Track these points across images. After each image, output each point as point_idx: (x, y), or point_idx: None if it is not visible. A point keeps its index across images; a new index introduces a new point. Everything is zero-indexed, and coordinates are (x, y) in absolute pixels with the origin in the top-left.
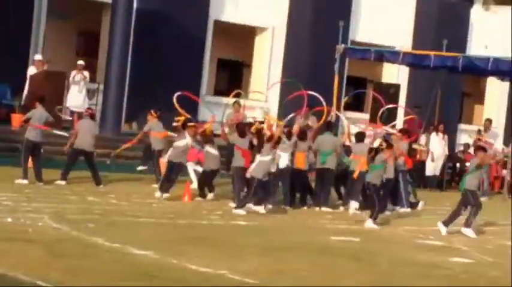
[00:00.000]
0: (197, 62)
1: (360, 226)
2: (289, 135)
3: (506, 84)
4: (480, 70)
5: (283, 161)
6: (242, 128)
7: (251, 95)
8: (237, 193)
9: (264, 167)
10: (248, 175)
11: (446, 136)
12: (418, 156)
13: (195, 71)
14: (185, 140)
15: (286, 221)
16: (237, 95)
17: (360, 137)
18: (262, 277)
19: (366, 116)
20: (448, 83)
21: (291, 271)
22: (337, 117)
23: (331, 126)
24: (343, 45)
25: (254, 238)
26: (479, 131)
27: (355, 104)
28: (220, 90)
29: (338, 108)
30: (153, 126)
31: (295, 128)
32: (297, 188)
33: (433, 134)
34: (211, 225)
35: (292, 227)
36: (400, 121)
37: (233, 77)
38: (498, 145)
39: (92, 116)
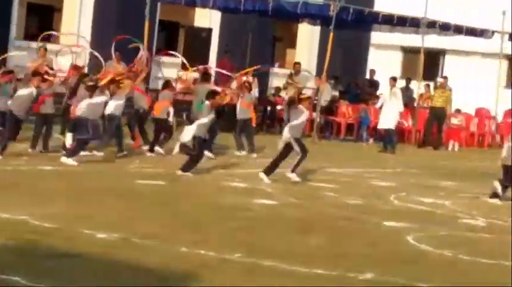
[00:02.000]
0: (5, 6)
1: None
2: None
3: (318, 28)
4: (290, 14)
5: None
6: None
7: (62, 39)
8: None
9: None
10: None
11: (256, 79)
12: (228, 100)
13: (4, 15)
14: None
15: (99, 166)
16: (46, 39)
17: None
18: (63, 221)
19: (178, 60)
20: (260, 27)
21: (93, 215)
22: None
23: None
24: None
25: (59, 183)
26: (290, 75)
27: (168, 48)
28: (31, 35)
29: (151, 53)
30: None
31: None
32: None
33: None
34: (15, 171)
35: (101, 173)
36: (212, 65)
37: (43, 21)
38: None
39: None
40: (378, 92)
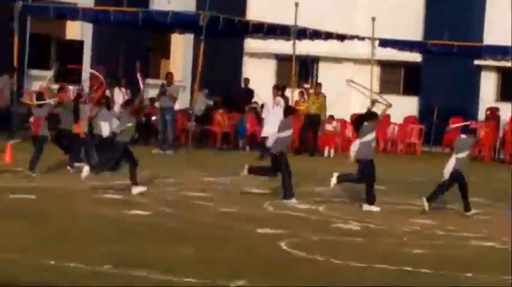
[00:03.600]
0: None
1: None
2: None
3: (191, 38)
4: (161, 24)
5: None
6: None
7: None
8: None
9: None
10: None
11: (129, 90)
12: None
13: None
14: None
15: None
16: None
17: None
18: None
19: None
20: (134, 38)
21: None
22: None
23: None
24: (21, 3)
25: None
26: (162, 85)
27: (40, 62)
28: None
29: (19, 68)
30: None
31: None
32: None
33: (116, 89)
34: None
35: None
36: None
37: None
38: (185, 98)
39: None
40: (252, 100)
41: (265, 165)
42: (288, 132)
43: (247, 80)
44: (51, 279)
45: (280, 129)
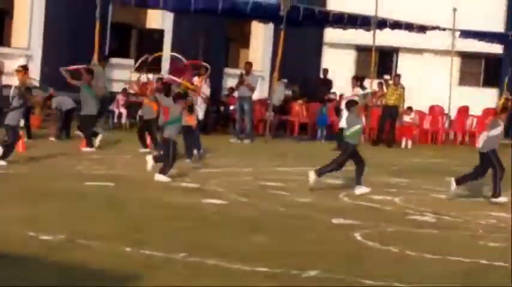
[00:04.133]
0: None
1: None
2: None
3: (271, 27)
4: (241, 13)
5: None
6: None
7: (13, 42)
8: None
9: None
10: None
11: (208, 80)
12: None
13: None
14: None
15: (46, 168)
16: None
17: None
18: (7, 224)
19: (131, 61)
20: (213, 27)
21: (38, 217)
22: None
23: None
24: None
25: (5, 185)
26: (241, 75)
27: (120, 50)
28: None
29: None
30: None
31: None
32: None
33: (196, 78)
34: None
35: (48, 174)
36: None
37: None
38: (264, 88)
39: None
40: (331, 91)
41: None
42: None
43: (326, 71)
44: (124, 266)
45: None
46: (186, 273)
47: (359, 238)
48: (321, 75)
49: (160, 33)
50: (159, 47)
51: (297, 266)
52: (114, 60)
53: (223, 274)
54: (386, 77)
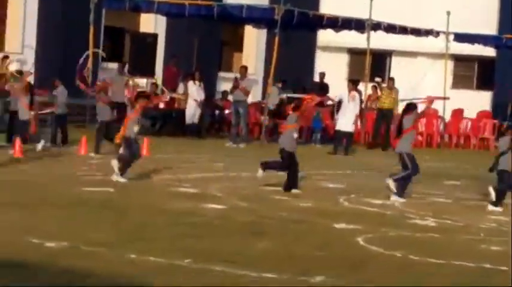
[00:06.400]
0: None
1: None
2: None
3: (264, 31)
4: (235, 18)
5: None
6: None
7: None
8: None
9: None
10: None
11: (202, 84)
12: (176, 105)
13: None
14: None
15: (45, 175)
16: None
17: None
18: (10, 231)
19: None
20: (207, 31)
21: (41, 224)
22: None
23: None
24: None
25: (5, 193)
26: (235, 79)
27: (115, 54)
28: None
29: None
30: None
31: None
32: None
33: (191, 82)
34: None
35: (46, 179)
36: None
37: None
38: (257, 91)
39: None
40: (327, 95)
41: None
42: None
43: (322, 75)
44: (131, 273)
45: None
46: (194, 280)
47: (362, 242)
48: (318, 79)
49: (154, 37)
50: (153, 51)
51: (302, 272)
52: (107, 65)
53: (231, 280)
54: (378, 79)
